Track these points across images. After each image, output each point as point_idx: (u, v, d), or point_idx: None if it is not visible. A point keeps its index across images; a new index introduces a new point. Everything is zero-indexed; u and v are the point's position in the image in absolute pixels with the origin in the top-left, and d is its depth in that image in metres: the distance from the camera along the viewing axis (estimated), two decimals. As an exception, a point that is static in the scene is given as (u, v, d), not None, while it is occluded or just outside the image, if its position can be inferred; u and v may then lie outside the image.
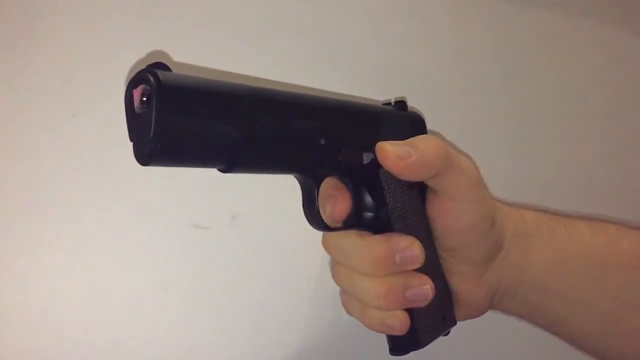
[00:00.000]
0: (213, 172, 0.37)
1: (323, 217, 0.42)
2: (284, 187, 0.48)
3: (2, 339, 0.48)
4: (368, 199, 0.43)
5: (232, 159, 0.35)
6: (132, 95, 0.32)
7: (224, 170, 0.36)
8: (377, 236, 0.43)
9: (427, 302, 0.43)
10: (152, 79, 0.31)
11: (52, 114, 0.50)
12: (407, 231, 0.43)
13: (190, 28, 0.54)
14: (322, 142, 0.40)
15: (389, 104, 0.48)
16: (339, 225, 0.43)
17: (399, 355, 0.44)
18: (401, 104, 0.48)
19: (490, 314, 0.49)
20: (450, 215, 0.44)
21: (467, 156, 0.44)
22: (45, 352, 0.49)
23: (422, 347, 0.44)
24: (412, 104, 0.49)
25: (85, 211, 0.50)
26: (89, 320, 0.51)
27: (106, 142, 0.51)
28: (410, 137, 0.42)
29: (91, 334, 0.51)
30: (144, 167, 0.32)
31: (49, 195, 0.49)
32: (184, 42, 0.53)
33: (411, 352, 0.44)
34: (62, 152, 0.50)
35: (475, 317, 0.48)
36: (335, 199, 0.42)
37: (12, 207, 0.49)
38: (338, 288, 0.46)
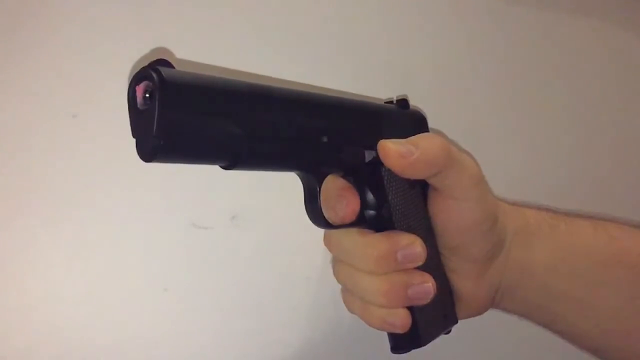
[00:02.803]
0: (213, 172, 0.37)
1: (330, 218, 0.42)
2: (284, 187, 0.48)
3: (2, 339, 0.48)
4: (370, 196, 0.43)
5: (234, 156, 0.35)
6: (134, 92, 0.32)
7: (226, 167, 0.36)
8: (379, 234, 0.43)
9: (428, 300, 0.43)
10: (154, 75, 0.31)
11: (52, 114, 0.49)
12: (409, 229, 0.43)
13: (193, 25, 0.54)
14: (324, 139, 0.40)
15: (391, 102, 0.48)
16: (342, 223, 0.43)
17: (400, 353, 0.44)
18: (403, 102, 0.48)
19: (491, 312, 0.49)
20: (451, 213, 0.44)
21: (469, 155, 0.45)
22: (45, 352, 0.49)
23: (424, 345, 0.44)
24: (414, 102, 0.49)
25: (85, 211, 0.50)
26: (89, 320, 0.50)
27: (106, 142, 0.50)
28: (412, 136, 0.42)
29: (91, 334, 0.50)
30: (144, 166, 0.32)
31: (49, 195, 0.49)
32: (186, 39, 0.53)
33: (412, 350, 0.44)
34: (62, 152, 0.50)
35: (476, 316, 0.48)
36: (347, 200, 0.42)
37: (12, 207, 0.48)
38: (338, 288, 0.46)
